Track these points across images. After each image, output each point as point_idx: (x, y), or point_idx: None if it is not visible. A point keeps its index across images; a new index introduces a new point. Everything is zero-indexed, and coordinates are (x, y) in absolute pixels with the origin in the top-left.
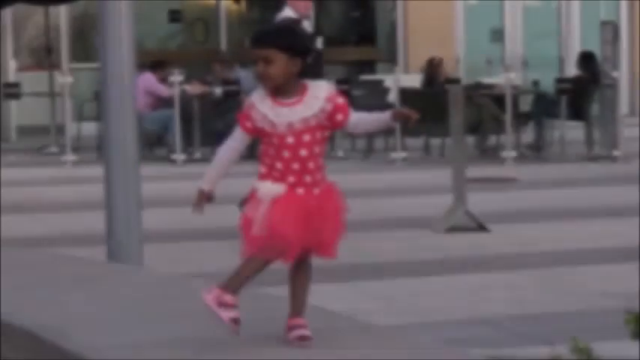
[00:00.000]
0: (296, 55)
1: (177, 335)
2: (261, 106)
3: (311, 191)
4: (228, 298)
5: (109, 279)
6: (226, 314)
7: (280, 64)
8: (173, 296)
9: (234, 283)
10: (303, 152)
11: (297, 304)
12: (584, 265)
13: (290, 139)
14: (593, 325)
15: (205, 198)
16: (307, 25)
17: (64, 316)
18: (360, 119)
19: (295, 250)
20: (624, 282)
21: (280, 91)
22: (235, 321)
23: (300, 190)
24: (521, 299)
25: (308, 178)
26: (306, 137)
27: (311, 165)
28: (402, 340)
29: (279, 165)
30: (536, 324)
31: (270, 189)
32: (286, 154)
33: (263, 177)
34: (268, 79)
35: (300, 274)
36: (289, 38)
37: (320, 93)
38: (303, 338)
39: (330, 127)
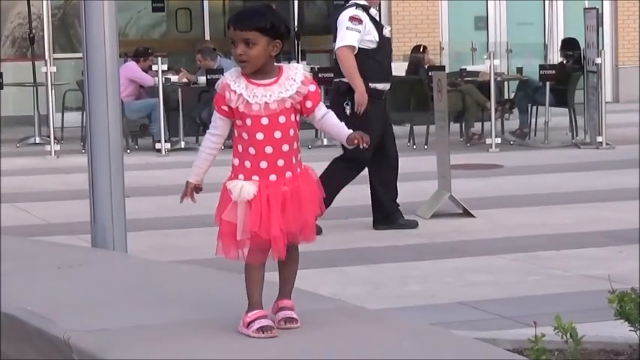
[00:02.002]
0: (276, 38)
1: (162, 320)
2: (236, 86)
3: (283, 176)
4: (247, 317)
5: (94, 265)
6: (248, 331)
7: (261, 46)
8: (157, 282)
9: (249, 299)
10: (278, 134)
11: (286, 286)
12: (567, 249)
13: (265, 120)
14: (576, 308)
15: (192, 190)
16: (374, 14)
17: (49, 302)
18: (327, 118)
19: (282, 245)
20: (607, 265)
21: (256, 72)
22: (262, 330)
23: (273, 177)
24: (505, 283)
25: (281, 162)
26: (281, 119)
27: (285, 148)
28: (391, 323)
29: (252, 150)
30: (521, 307)
31: (242, 192)
32: (260, 136)
33: (235, 171)
34: (248, 62)
35: (288, 258)
36: (271, 20)
37: (296, 75)
38: (289, 321)
39: (300, 111)
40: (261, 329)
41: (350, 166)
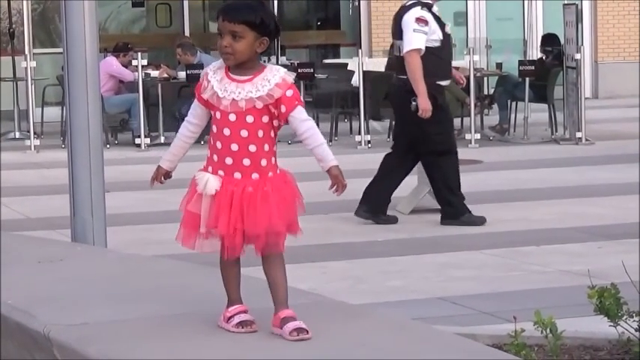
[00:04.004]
0: (264, 35)
1: (143, 314)
2: (213, 76)
3: (249, 176)
4: (227, 312)
5: (74, 259)
6: (228, 325)
7: (248, 41)
8: (138, 276)
9: (227, 295)
10: (244, 133)
11: (278, 293)
12: (547, 245)
13: (232, 117)
14: (556, 303)
15: (162, 175)
16: (436, 10)
17: (29, 297)
18: (311, 136)
19: (236, 244)
20: (587, 260)
21: (237, 66)
22: (241, 324)
23: (238, 175)
24: (485, 278)
25: (247, 162)
26: (250, 118)
27: (252, 148)
28: (372, 318)
29: (219, 144)
30: (501, 302)
31: (207, 186)
32: (227, 131)
33: (206, 163)
34: (232, 55)
35: (268, 260)
36: (261, 16)
37: (273, 78)
38: (300, 331)
39: (276, 115)
40: (241, 324)
41: (445, 157)
